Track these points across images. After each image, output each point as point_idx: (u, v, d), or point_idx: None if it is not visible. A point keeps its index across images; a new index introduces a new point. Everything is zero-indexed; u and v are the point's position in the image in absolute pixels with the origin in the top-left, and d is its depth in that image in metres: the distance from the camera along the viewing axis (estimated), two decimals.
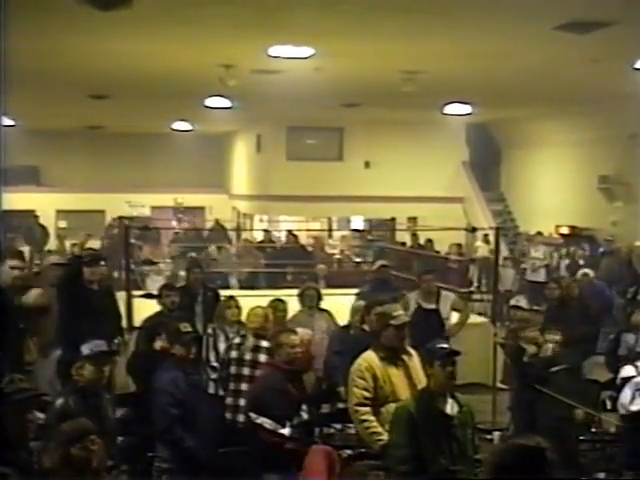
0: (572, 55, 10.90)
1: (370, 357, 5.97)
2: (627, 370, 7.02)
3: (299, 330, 7.60)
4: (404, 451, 5.15)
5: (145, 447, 6.31)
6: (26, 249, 16.30)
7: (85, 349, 5.89)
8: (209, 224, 23.30)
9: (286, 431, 5.95)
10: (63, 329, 7.41)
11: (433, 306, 8.92)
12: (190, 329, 6.67)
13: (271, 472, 5.91)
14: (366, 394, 5.86)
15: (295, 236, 18.51)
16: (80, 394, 5.63)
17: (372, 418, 5.82)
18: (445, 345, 5.54)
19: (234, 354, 7.17)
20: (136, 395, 6.96)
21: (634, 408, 6.73)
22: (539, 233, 17.47)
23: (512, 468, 3.29)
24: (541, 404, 7.48)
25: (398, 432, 5.26)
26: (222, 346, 7.67)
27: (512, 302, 9.63)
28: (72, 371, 5.83)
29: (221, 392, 7.56)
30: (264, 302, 8.37)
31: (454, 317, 9.22)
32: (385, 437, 5.69)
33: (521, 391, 7.80)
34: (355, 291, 10.74)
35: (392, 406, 5.80)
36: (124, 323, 8.87)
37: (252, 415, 5.99)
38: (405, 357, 6.06)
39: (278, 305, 8.24)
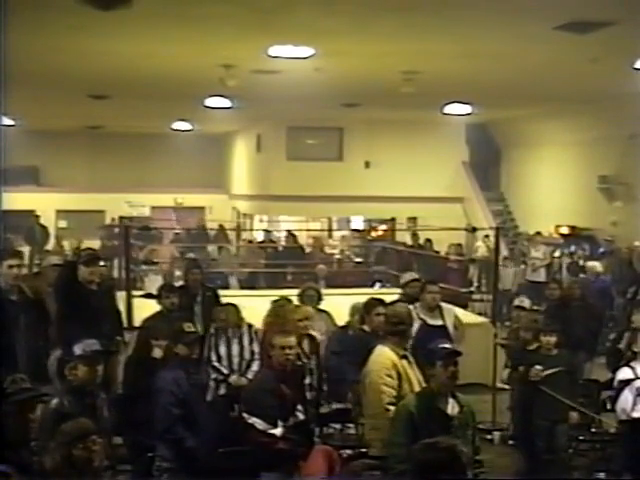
0: (572, 55, 10.91)
1: (389, 355, 5.91)
2: (625, 372, 6.98)
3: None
4: (403, 450, 5.15)
5: (140, 450, 6.32)
6: (26, 249, 16.33)
7: (77, 349, 5.88)
8: (210, 224, 23.31)
9: (277, 431, 5.94)
10: (62, 329, 7.40)
11: (439, 322, 7.91)
12: (194, 329, 6.68)
13: (265, 472, 5.90)
14: (394, 392, 5.78)
15: (294, 236, 18.52)
16: (74, 394, 5.62)
17: None
18: (447, 345, 5.55)
19: None
20: (127, 397, 6.95)
21: (636, 415, 6.70)
22: (538, 233, 17.47)
23: (428, 464, 3.75)
24: (538, 405, 7.49)
25: (398, 431, 5.26)
26: (222, 348, 7.70)
27: (515, 302, 9.57)
28: (65, 371, 5.83)
29: (222, 391, 7.58)
30: (264, 302, 8.38)
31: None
32: None
33: (521, 392, 7.80)
34: (354, 291, 10.75)
35: None
36: (124, 323, 8.86)
37: (245, 415, 5.99)
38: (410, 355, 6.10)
39: (285, 304, 8.25)
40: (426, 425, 5.13)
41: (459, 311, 9.63)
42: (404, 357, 5.96)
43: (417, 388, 5.81)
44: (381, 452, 5.72)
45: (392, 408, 5.75)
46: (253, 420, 5.91)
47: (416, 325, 7.35)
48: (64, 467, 4.37)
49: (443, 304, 8.22)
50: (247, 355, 7.73)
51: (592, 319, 10.16)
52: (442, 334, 7.42)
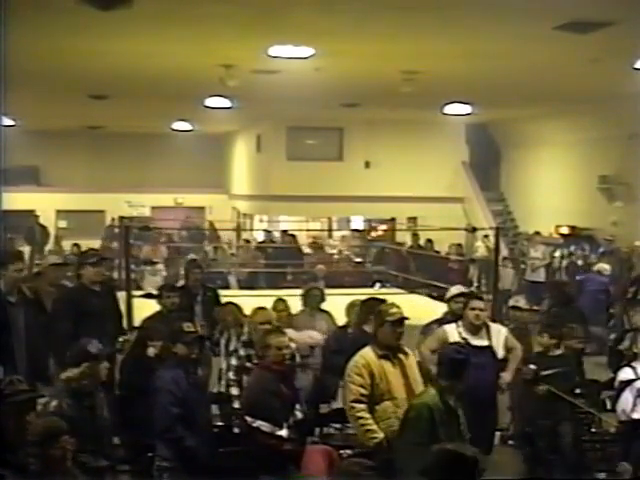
0: (572, 55, 10.91)
1: (367, 354, 6.01)
2: (626, 372, 6.98)
3: (310, 333, 7.66)
4: (421, 450, 5.09)
5: (138, 450, 6.31)
6: (27, 249, 16.31)
7: (92, 348, 5.88)
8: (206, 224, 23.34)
9: (283, 433, 5.96)
10: (65, 330, 7.38)
11: (485, 342, 6.90)
12: (193, 329, 6.69)
13: (269, 474, 5.90)
14: (362, 391, 5.88)
15: (293, 236, 18.51)
16: (74, 395, 5.61)
17: (368, 416, 5.85)
18: (461, 349, 5.55)
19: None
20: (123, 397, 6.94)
21: (636, 416, 6.71)
22: (537, 233, 17.50)
23: (443, 472, 3.67)
24: (538, 405, 7.49)
25: (419, 430, 5.22)
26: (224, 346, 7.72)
27: (511, 302, 9.55)
28: (68, 372, 5.80)
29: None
30: (264, 302, 8.38)
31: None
32: (380, 435, 5.71)
33: (520, 392, 7.80)
34: (354, 291, 10.73)
35: (387, 404, 5.84)
36: (124, 323, 8.85)
37: (248, 419, 5.98)
38: (402, 356, 6.10)
39: (279, 305, 8.26)
40: (441, 423, 5.14)
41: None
42: (384, 357, 5.98)
43: (399, 388, 5.91)
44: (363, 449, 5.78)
45: (357, 406, 5.87)
46: (258, 423, 5.92)
47: None
48: (36, 466, 4.37)
49: (492, 323, 7.27)
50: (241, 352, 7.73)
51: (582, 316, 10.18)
52: (486, 356, 6.79)
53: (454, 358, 5.38)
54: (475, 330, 6.88)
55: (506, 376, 6.95)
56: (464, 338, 6.79)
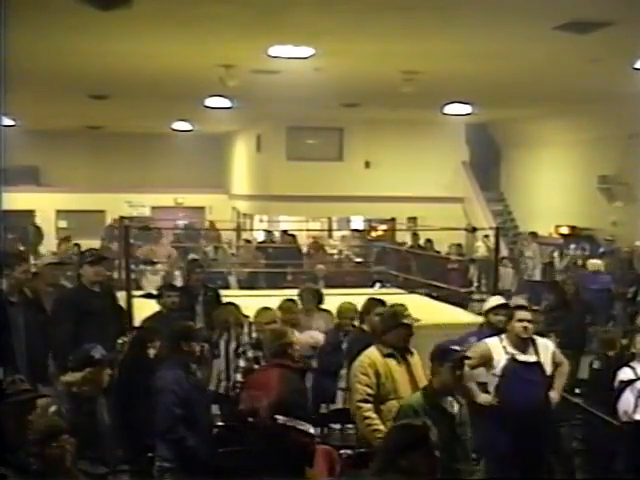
0: (572, 55, 10.91)
1: (373, 354, 6.02)
2: (625, 372, 6.98)
3: (311, 333, 7.67)
4: None
5: (138, 450, 6.30)
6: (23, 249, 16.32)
7: (96, 353, 5.86)
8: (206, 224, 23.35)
9: (313, 430, 5.95)
10: (67, 333, 7.36)
11: (533, 358, 6.38)
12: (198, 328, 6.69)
13: (296, 474, 5.82)
14: (369, 390, 5.89)
15: (293, 236, 18.51)
16: (74, 400, 5.59)
17: (374, 415, 5.84)
18: (458, 348, 5.56)
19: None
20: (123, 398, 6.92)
21: (638, 417, 6.70)
22: (532, 233, 17.50)
23: (398, 444, 3.81)
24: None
25: None
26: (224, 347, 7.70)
27: (511, 303, 9.55)
28: (70, 376, 5.79)
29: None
30: (264, 302, 8.39)
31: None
32: None
33: None
34: (354, 291, 10.72)
35: (393, 403, 5.84)
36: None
37: (280, 418, 5.87)
38: (407, 355, 6.12)
39: (290, 305, 8.24)
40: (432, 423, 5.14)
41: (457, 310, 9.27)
42: (390, 355, 5.99)
43: (405, 387, 5.91)
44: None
45: (364, 406, 5.86)
46: (294, 422, 5.84)
47: (503, 361, 6.33)
48: (37, 466, 4.36)
49: (538, 338, 6.59)
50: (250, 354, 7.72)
51: (582, 316, 10.18)
52: (535, 373, 6.33)
53: (447, 357, 5.36)
54: (522, 345, 6.35)
55: (555, 395, 6.52)
56: (510, 352, 6.32)
